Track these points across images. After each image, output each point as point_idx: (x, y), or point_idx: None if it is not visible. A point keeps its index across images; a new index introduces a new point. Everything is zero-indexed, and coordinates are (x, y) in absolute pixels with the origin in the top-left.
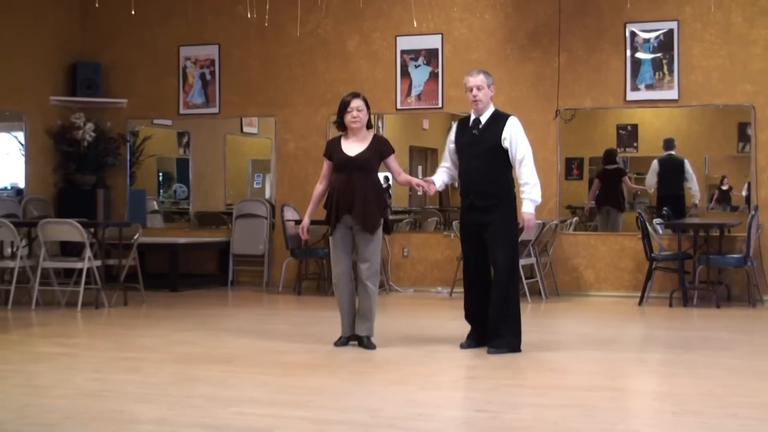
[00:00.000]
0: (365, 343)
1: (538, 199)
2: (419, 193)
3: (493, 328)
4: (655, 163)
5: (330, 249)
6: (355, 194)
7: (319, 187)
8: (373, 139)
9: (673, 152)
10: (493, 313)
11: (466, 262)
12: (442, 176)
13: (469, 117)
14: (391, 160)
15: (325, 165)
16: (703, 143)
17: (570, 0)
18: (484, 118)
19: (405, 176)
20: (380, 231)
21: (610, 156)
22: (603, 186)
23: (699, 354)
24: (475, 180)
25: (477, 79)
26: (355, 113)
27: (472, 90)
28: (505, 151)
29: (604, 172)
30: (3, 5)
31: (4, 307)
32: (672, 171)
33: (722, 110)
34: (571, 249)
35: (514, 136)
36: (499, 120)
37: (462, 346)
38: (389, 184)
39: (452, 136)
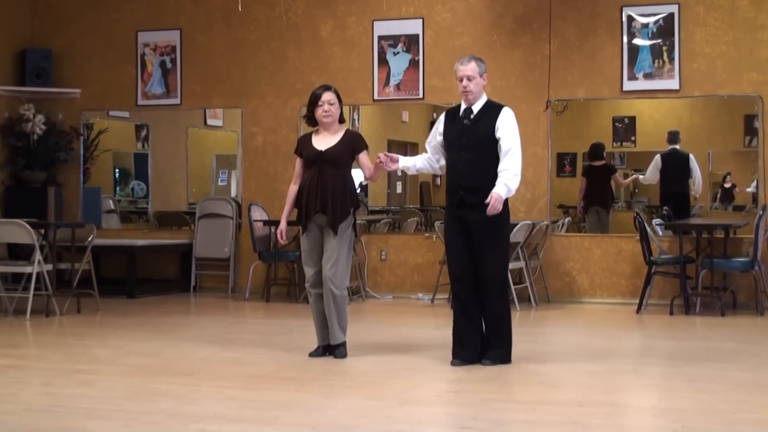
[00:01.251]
0: (335, 352)
1: (513, 190)
2: (384, 166)
3: (486, 339)
4: (657, 158)
5: (301, 251)
6: (326, 191)
7: (293, 187)
8: (345, 133)
9: (677, 146)
10: (489, 324)
11: (454, 266)
12: (416, 159)
13: (458, 107)
14: (364, 156)
15: (298, 163)
16: (707, 137)
17: None
18: (476, 108)
19: (374, 168)
20: (350, 230)
21: (596, 151)
22: (590, 184)
23: (702, 366)
24: (466, 174)
25: (468, 68)
26: (326, 107)
27: (462, 80)
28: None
29: (590, 170)
30: None
31: None
32: (676, 167)
33: (727, 101)
34: (563, 252)
35: (505, 126)
36: (492, 110)
37: (453, 364)
38: (367, 183)
39: (440, 127)
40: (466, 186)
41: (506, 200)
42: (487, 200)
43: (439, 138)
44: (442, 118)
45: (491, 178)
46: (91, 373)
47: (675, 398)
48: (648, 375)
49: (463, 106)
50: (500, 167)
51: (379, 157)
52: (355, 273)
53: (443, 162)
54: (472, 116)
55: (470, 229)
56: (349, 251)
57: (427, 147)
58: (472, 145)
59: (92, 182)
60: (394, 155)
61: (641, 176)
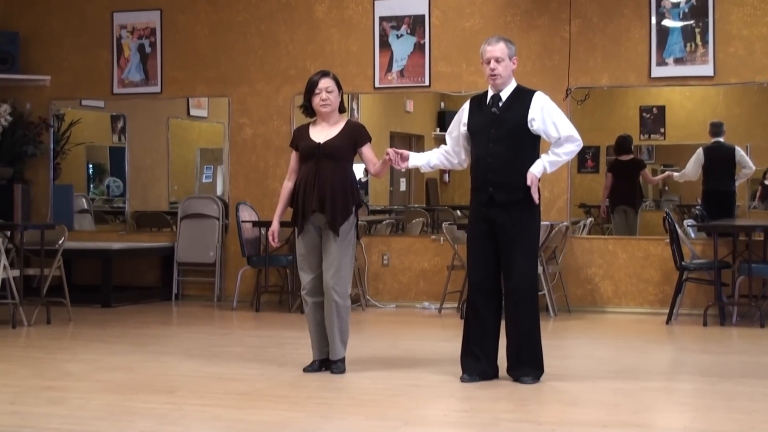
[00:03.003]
0: (332, 367)
1: (549, 171)
2: (393, 164)
3: (515, 354)
4: (699, 152)
5: (296, 255)
6: (324, 188)
7: (288, 184)
8: (346, 124)
9: (721, 139)
10: (516, 338)
11: (475, 272)
12: (430, 155)
13: (484, 94)
14: (367, 150)
15: (293, 157)
16: (745, 129)
17: None
18: (504, 94)
19: (380, 164)
20: (352, 232)
21: (623, 144)
22: (617, 181)
23: (739, 383)
24: (496, 169)
25: (496, 49)
26: (324, 95)
27: (489, 62)
28: (533, 136)
29: (617, 165)
30: None
31: None
32: (720, 162)
33: (767, 89)
34: (584, 256)
35: (549, 114)
36: (523, 96)
37: (463, 380)
38: (367, 179)
39: (464, 117)
40: (496, 182)
41: (539, 197)
42: (528, 183)
43: (463, 129)
44: (466, 106)
45: (524, 173)
46: (62, 390)
47: (710, 418)
48: (679, 392)
49: (491, 93)
50: (557, 148)
51: (387, 153)
52: (354, 279)
53: (464, 156)
54: (500, 104)
55: (497, 232)
56: (351, 256)
57: (448, 138)
58: (502, 136)
59: (63, 179)
60: (405, 152)
61: (676, 173)
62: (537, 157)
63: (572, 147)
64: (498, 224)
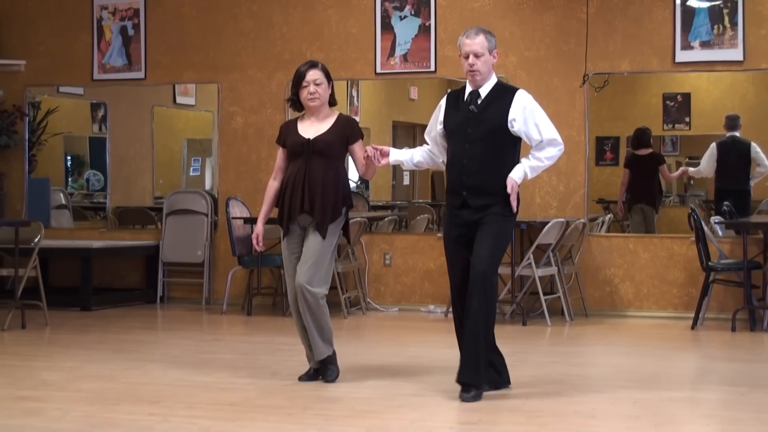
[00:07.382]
0: (325, 374)
1: (530, 176)
2: (374, 162)
3: (468, 356)
4: (713, 147)
5: (282, 258)
6: (314, 187)
7: (273, 183)
8: (337, 119)
9: (736, 133)
10: (467, 331)
11: (454, 278)
12: (414, 151)
13: (462, 89)
14: (359, 148)
15: (280, 154)
16: None
17: None
18: (484, 91)
19: (366, 164)
20: (338, 232)
21: (641, 138)
22: (634, 177)
23: None
24: (471, 171)
25: (475, 43)
26: (312, 88)
27: (468, 57)
28: (513, 137)
29: (634, 160)
30: None
31: None
32: (735, 158)
33: None
34: (603, 256)
35: (531, 115)
36: (504, 94)
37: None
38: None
39: (440, 115)
40: (471, 186)
41: (518, 201)
42: (509, 190)
43: (440, 128)
44: (443, 102)
45: (501, 177)
46: (38, 400)
47: (738, 431)
48: (705, 404)
49: (469, 89)
50: (537, 152)
51: (366, 151)
52: (353, 281)
53: (445, 157)
54: (479, 101)
55: (469, 231)
56: (331, 256)
57: (427, 138)
58: (479, 136)
59: (39, 172)
60: (385, 148)
61: (691, 168)
62: (517, 160)
63: (554, 151)
64: (469, 222)
